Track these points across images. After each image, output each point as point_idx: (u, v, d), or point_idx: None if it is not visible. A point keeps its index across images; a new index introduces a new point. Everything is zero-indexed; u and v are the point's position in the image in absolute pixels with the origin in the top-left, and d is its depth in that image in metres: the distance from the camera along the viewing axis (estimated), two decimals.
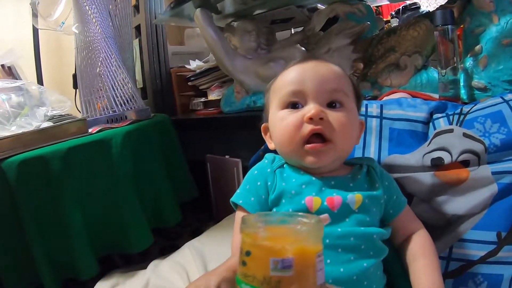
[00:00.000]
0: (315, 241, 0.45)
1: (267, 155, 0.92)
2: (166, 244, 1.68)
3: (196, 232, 1.56)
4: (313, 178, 0.82)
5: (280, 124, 0.83)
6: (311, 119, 0.77)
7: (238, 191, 0.88)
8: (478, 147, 0.94)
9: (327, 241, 0.74)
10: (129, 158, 1.44)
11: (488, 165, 0.93)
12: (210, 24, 1.62)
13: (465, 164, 0.94)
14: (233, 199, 0.86)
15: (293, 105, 0.82)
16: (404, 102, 1.09)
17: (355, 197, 0.79)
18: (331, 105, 0.81)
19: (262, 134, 0.94)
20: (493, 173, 0.92)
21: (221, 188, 1.79)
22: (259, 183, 0.85)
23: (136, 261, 1.48)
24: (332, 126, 0.78)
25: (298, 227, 0.45)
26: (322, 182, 0.81)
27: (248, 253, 0.44)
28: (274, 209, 0.82)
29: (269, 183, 0.84)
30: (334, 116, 0.79)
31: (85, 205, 1.31)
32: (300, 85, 0.81)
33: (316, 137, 0.79)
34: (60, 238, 1.26)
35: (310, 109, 0.78)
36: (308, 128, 0.78)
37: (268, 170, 0.86)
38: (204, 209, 1.92)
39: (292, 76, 0.84)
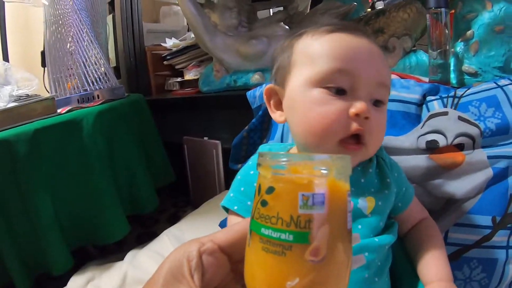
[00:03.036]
0: (345, 178, 0.39)
1: (260, 148, 0.83)
2: (142, 231, 1.65)
3: (173, 218, 1.54)
4: None
5: (316, 108, 0.67)
6: (356, 115, 0.65)
7: (230, 193, 0.76)
8: (473, 130, 0.94)
9: None
10: (102, 140, 1.39)
11: (483, 149, 0.93)
12: None
13: (460, 147, 0.94)
14: (225, 203, 0.76)
15: (336, 88, 0.67)
16: (397, 83, 1.08)
17: (367, 201, 0.72)
18: (376, 102, 0.70)
19: (264, 98, 0.79)
20: (488, 157, 0.92)
21: (199, 171, 1.75)
22: (255, 184, 0.75)
23: (112, 251, 1.44)
24: (372, 129, 0.67)
25: (328, 159, 0.38)
26: None
27: (270, 190, 0.38)
28: None
29: None
30: (376, 118, 0.68)
31: (55, 192, 1.26)
32: (352, 66, 0.66)
33: (353, 136, 0.67)
34: (29, 229, 1.21)
35: (358, 104, 0.65)
36: (352, 126, 0.65)
37: None
38: (181, 193, 1.89)
39: (342, 48, 0.67)
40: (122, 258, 1.26)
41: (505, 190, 0.91)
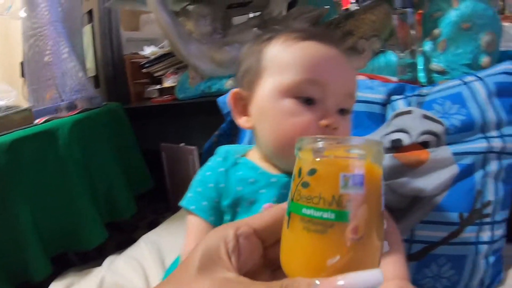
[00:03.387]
0: (379, 162, 0.39)
1: (218, 149, 0.82)
2: (123, 238, 1.62)
3: (153, 224, 1.51)
4: (273, 180, 0.73)
5: (287, 119, 0.67)
6: (327, 127, 0.66)
7: (189, 194, 0.77)
8: (437, 128, 0.93)
9: None
10: (78, 149, 1.37)
11: (448, 146, 0.93)
12: (164, 7, 1.56)
13: (425, 145, 0.93)
14: (183, 203, 0.76)
15: (306, 99, 0.67)
16: (362, 84, 1.07)
17: None
18: (342, 111, 0.70)
19: (231, 103, 0.78)
20: (454, 154, 0.92)
21: (177, 177, 1.74)
22: (210, 185, 0.75)
23: (93, 257, 1.42)
24: None
25: (365, 142, 0.39)
26: (283, 184, 0.72)
27: (312, 172, 0.38)
28: (228, 217, 0.74)
29: (221, 185, 0.74)
30: (343, 126, 0.69)
31: (33, 201, 1.24)
32: (322, 77, 0.67)
33: None
34: (9, 237, 1.20)
35: (329, 114, 0.67)
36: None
37: (220, 169, 0.76)
38: (161, 199, 1.87)
39: (314, 60, 0.68)
40: (101, 264, 1.26)
41: (472, 186, 0.91)
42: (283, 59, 0.69)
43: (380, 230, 0.38)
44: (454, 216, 0.89)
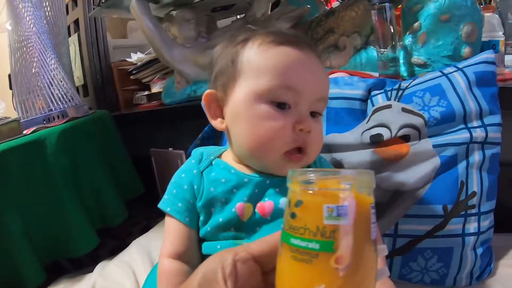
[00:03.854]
0: (368, 191, 0.40)
1: (193, 152, 0.80)
2: (116, 244, 1.60)
3: (145, 229, 1.49)
4: (246, 180, 0.72)
5: (262, 124, 0.68)
6: (301, 130, 0.67)
7: (165, 196, 0.77)
8: (417, 121, 0.91)
9: None
10: (66, 158, 1.36)
11: (429, 138, 0.91)
12: (147, 14, 1.55)
13: (405, 139, 0.91)
14: (160, 205, 0.76)
15: (281, 104, 0.68)
16: (341, 80, 1.05)
17: None
18: (313, 114, 0.71)
19: (204, 105, 0.77)
20: (435, 146, 0.89)
21: (167, 181, 1.65)
22: (185, 187, 0.74)
23: (86, 264, 1.40)
24: (312, 140, 0.69)
25: (350, 174, 0.40)
26: (256, 184, 0.72)
27: (298, 203, 0.40)
28: (202, 217, 0.73)
29: (195, 187, 0.74)
30: (315, 129, 0.70)
31: (23, 210, 1.24)
32: (297, 83, 0.67)
33: (297, 149, 0.69)
34: (0, 248, 1.18)
35: (303, 118, 0.68)
36: (297, 140, 0.68)
37: (194, 171, 0.75)
38: (154, 205, 1.83)
39: (290, 66, 0.68)
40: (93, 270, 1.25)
41: (455, 177, 0.89)
42: (258, 64, 0.69)
43: (370, 257, 0.39)
44: (438, 209, 0.87)
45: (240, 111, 0.70)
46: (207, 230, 0.72)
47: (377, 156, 0.90)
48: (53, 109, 1.56)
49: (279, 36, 0.70)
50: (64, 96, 1.59)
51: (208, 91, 0.76)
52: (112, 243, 1.61)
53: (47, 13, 1.66)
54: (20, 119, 1.52)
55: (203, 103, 0.76)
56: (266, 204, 0.70)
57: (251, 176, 0.73)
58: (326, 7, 1.81)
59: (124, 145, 1.71)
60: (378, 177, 0.89)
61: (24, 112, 1.58)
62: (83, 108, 1.64)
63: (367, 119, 0.96)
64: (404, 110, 0.92)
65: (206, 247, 0.73)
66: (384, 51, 1.15)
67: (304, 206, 0.39)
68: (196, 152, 0.80)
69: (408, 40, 1.16)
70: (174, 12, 1.76)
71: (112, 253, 1.34)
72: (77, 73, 2.12)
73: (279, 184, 0.72)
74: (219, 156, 0.79)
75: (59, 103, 1.57)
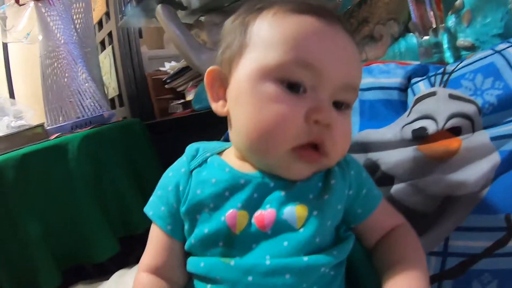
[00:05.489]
0: None
1: (188, 147, 0.63)
2: (143, 252, 1.48)
3: None
4: (242, 181, 0.54)
5: (266, 107, 0.50)
6: (316, 122, 0.49)
7: (151, 198, 0.61)
8: (469, 108, 0.68)
9: (250, 278, 0.49)
10: (88, 163, 1.30)
11: (485, 130, 0.68)
12: (172, 20, 1.46)
13: (456, 131, 0.69)
14: (145, 208, 0.61)
15: (293, 84, 0.49)
16: (375, 68, 0.84)
17: (296, 210, 0.51)
18: (338, 104, 0.52)
19: (206, 83, 0.58)
20: (492, 138, 0.66)
21: None
22: (170, 188, 0.57)
23: (111, 271, 1.27)
24: (335, 138, 0.50)
25: None
26: (255, 186, 0.53)
27: None
28: (186, 226, 0.55)
29: (181, 188, 0.56)
30: (339, 124, 0.51)
31: (42, 214, 1.20)
32: (317, 59, 0.49)
33: (310, 145, 0.50)
34: (18, 250, 1.16)
35: (321, 106, 0.49)
36: (311, 134, 0.49)
37: (183, 170, 0.58)
38: None
39: (309, 37, 0.50)
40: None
41: None
42: (270, 34, 0.51)
43: None
44: (499, 219, 0.63)
45: (242, 91, 0.53)
46: (191, 243, 0.54)
47: (421, 154, 0.68)
48: (82, 117, 1.54)
49: (300, 4, 0.52)
50: (93, 105, 1.57)
51: (211, 67, 0.57)
52: (140, 251, 1.48)
53: (76, 25, 1.64)
54: (46, 125, 1.49)
55: (205, 81, 0.58)
56: (266, 214, 0.51)
57: (250, 176, 0.54)
58: None
59: (156, 153, 1.59)
60: (423, 181, 0.68)
61: (53, 119, 1.56)
62: (112, 117, 1.60)
63: (408, 111, 0.74)
64: (451, 96, 0.70)
65: (190, 263, 0.55)
66: (424, 37, 0.95)
67: None
68: (191, 148, 0.62)
69: (451, 21, 0.95)
70: (203, 17, 1.65)
71: (139, 261, 1.22)
72: (112, 84, 2.06)
73: (287, 188, 0.53)
74: (220, 154, 0.60)
75: (88, 111, 1.55)
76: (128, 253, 1.31)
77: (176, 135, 1.73)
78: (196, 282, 0.54)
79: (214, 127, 1.43)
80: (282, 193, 0.52)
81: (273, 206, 0.51)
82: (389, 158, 0.71)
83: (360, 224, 0.59)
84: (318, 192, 0.53)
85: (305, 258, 0.49)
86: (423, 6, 0.94)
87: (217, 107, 0.57)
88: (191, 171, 0.57)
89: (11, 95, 2.12)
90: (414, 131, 0.71)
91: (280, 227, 0.51)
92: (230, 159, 0.57)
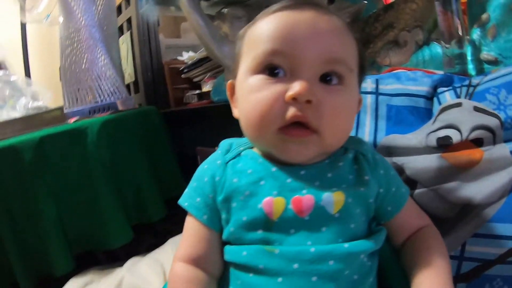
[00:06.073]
0: None
1: (222, 142, 0.68)
2: (154, 241, 1.50)
3: None
4: (274, 169, 0.58)
5: (250, 96, 0.56)
6: (294, 100, 0.52)
7: (186, 190, 0.64)
8: (492, 122, 0.73)
9: (295, 266, 0.52)
10: (106, 149, 1.30)
11: (506, 143, 0.72)
12: (196, 9, 1.46)
13: (478, 143, 0.73)
14: (180, 200, 0.64)
15: (272, 70, 0.55)
16: (403, 75, 0.88)
17: (334, 196, 0.55)
18: (326, 78, 0.55)
19: (228, 95, 0.66)
20: None
21: None
22: (206, 179, 0.61)
23: (120, 258, 1.32)
24: (321, 112, 0.53)
25: None
26: (287, 173, 0.57)
27: None
28: (224, 215, 0.59)
29: (217, 179, 0.60)
30: (327, 98, 0.53)
31: (58, 197, 1.21)
32: (286, 43, 0.54)
33: (298, 124, 0.54)
34: (32, 232, 1.17)
35: (296, 85, 0.52)
36: (290, 111, 0.53)
37: (218, 162, 0.62)
38: None
39: (277, 28, 0.55)
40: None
41: None
42: (253, 35, 0.59)
43: None
44: None
45: (239, 93, 0.61)
46: (230, 231, 0.58)
47: (445, 162, 0.73)
48: (100, 101, 1.54)
49: (279, 4, 0.59)
50: (112, 90, 1.57)
51: (230, 81, 0.66)
52: (150, 240, 1.51)
53: (97, 7, 1.62)
54: (65, 108, 1.50)
55: (227, 93, 0.66)
56: (304, 199, 0.55)
57: (280, 167, 0.58)
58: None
59: (171, 143, 1.62)
60: (446, 188, 0.72)
61: (71, 103, 1.55)
62: (130, 103, 1.60)
63: (433, 119, 0.78)
64: (476, 109, 0.74)
65: (230, 252, 0.58)
66: (449, 46, 0.98)
67: None
68: (225, 142, 0.67)
69: (475, 34, 0.98)
70: (226, 9, 1.65)
71: (149, 250, 1.26)
72: (129, 70, 2.07)
73: (319, 175, 0.57)
74: (251, 147, 0.64)
75: (106, 96, 1.55)
76: (138, 241, 1.34)
77: (191, 125, 1.76)
78: (233, 272, 0.57)
79: (230, 120, 1.47)
80: (317, 182, 0.56)
81: (310, 192, 0.55)
82: (414, 164, 0.75)
83: (389, 221, 0.63)
84: (353, 184, 0.58)
85: (346, 245, 0.53)
86: (451, 17, 0.96)
87: (235, 113, 0.64)
88: (226, 163, 0.61)
89: (27, 76, 2.10)
90: (439, 139, 0.75)
91: (318, 212, 0.54)
92: (261, 152, 0.62)
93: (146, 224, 1.42)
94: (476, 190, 0.71)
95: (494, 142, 0.73)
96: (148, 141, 1.48)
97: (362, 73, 0.63)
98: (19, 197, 1.16)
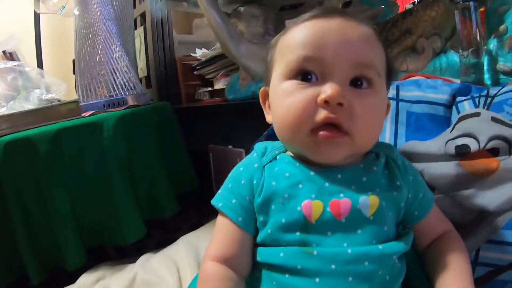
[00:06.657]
0: None
1: (256, 145, 0.70)
2: (164, 237, 1.52)
3: (196, 226, 1.41)
4: (312, 173, 0.61)
5: (284, 101, 0.59)
6: (326, 103, 0.56)
7: (219, 191, 0.67)
8: (509, 132, 0.77)
9: (333, 266, 0.55)
10: (122, 143, 1.32)
11: None
12: (214, 7, 1.48)
13: (494, 152, 0.77)
14: (213, 201, 0.66)
15: (305, 76, 0.59)
16: (423, 83, 0.92)
17: (370, 200, 0.58)
18: (356, 82, 0.59)
19: (260, 101, 0.71)
20: None
21: (223, 179, 1.59)
22: (243, 182, 0.64)
23: (131, 254, 1.35)
24: (352, 115, 0.56)
25: None
26: (325, 177, 0.60)
27: None
28: (261, 218, 0.62)
29: (254, 182, 0.63)
30: (357, 101, 0.57)
31: (72, 190, 1.21)
32: (318, 50, 0.57)
33: (330, 126, 0.57)
34: (46, 225, 1.17)
35: (327, 88, 0.56)
36: (321, 114, 0.56)
37: (256, 165, 0.65)
38: (207, 202, 1.75)
39: (308, 36, 0.59)
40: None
41: None
42: (286, 43, 0.64)
43: None
44: None
45: (271, 97, 0.66)
46: (268, 233, 0.61)
47: (463, 169, 0.77)
48: (114, 95, 1.55)
49: (310, 14, 0.63)
50: (126, 84, 1.58)
51: (262, 88, 0.71)
52: (160, 236, 1.54)
53: (114, 1, 1.64)
54: (80, 102, 1.50)
55: (260, 100, 0.72)
56: (342, 202, 0.58)
57: (318, 170, 0.61)
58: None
59: (183, 139, 1.64)
60: (462, 195, 0.76)
61: (85, 96, 1.56)
62: (145, 98, 1.61)
63: (451, 127, 0.82)
64: (494, 119, 0.78)
65: (265, 253, 0.61)
66: (467, 54, 1.01)
67: None
68: (260, 145, 0.70)
69: (492, 44, 1.02)
70: (242, 8, 1.68)
71: (159, 246, 1.28)
72: (141, 64, 2.09)
73: (355, 179, 0.61)
74: (286, 151, 0.68)
75: (121, 90, 1.56)
76: (147, 237, 1.35)
77: (203, 122, 1.79)
78: (266, 273, 0.60)
79: (243, 119, 1.51)
80: (353, 186, 0.60)
81: (347, 196, 0.58)
82: (434, 170, 0.79)
83: (415, 225, 0.67)
84: (386, 188, 0.62)
85: (380, 247, 0.57)
86: (470, 25, 1.00)
87: (268, 119, 0.69)
88: (264, 166, 0.64)
89: (39, 65, 2.12)
90: (457, 147, 0.79)
91: (354, 215, 0.57)
92: (295, 156, 0.65)
93: (155, 220, 1.44)
94: (491, 198, 0.75)
95: (510, 152, 0.77)
96: (162, 137, 1.50)
97: (389, 79, 0.67)
98: (32, 189, 1.16)
